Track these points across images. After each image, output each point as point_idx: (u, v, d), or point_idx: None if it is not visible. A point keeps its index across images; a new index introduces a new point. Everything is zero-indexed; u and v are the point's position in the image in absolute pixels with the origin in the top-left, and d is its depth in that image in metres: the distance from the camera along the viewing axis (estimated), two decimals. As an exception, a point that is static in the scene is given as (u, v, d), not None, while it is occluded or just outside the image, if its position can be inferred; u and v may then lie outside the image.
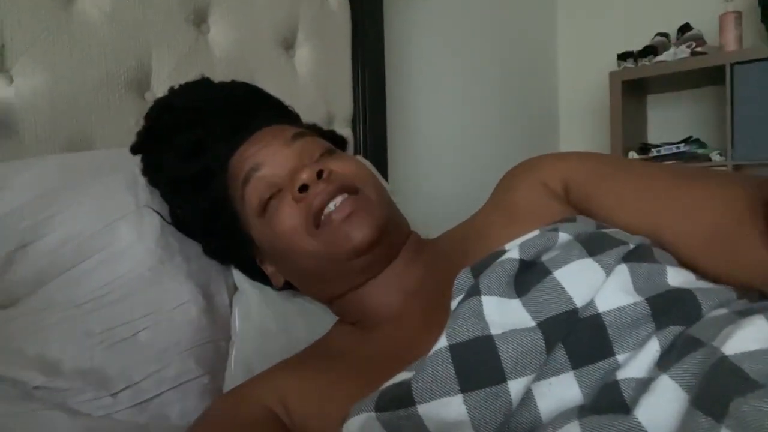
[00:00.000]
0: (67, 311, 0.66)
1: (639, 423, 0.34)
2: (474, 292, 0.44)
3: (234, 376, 0.69)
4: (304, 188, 0.60)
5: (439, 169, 1.73)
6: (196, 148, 0.71)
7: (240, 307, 0.75)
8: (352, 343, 0.62)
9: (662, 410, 0.34)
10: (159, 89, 0.96)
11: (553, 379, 0.39)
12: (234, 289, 0.79)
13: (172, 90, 0.79)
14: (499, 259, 0.46)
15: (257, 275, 0.76)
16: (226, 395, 0.61)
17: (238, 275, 0.79)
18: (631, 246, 0.45)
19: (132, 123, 0.92)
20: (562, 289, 0.42)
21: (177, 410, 0.65)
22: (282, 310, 0.77)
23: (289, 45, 1.21)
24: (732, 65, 1.88)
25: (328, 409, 0.51)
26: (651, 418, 0.34)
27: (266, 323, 0.75)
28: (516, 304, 0.43)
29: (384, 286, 0.62)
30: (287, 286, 0.74)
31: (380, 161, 1.36)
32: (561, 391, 0.39)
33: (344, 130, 1.31)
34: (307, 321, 0.77)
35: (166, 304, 0.70)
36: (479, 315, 0.42)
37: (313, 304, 0.77)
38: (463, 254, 0.57)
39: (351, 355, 0.59)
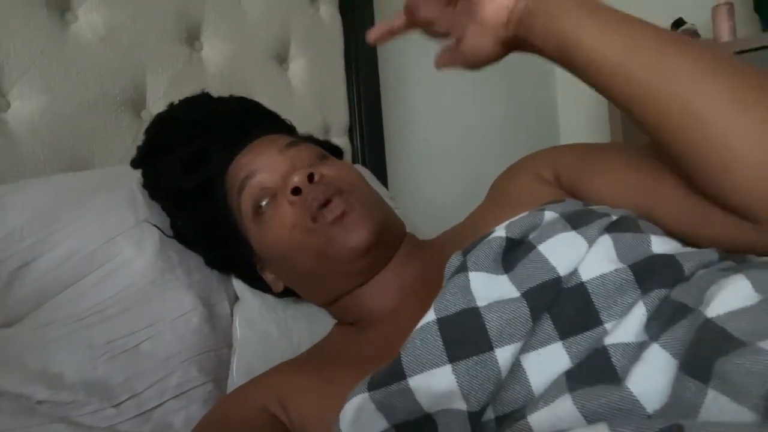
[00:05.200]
0: (70, 325, 0.67)
1: (631, 393, 0.34)
2: (462, 268, 0.45)
3: (236, 382, 0.69)
4: (297, 191, 0.61)
5: (438, 174, 1.73)
6: (197, 160, 0.73)
7: (241, 315, 0.76)
8: (350, 342, 0.62)
9: (653, 379, 0.34)
10: (154, 107, 0.97)
11: (541, 350, 0.40)
12: (235, 298, 0.80)
13: (172, 105, 0.81)
14: (487, 238, 0.46)
15: (258, 283, 0.77)
16: (225, 398, 0.61)
17: (238, 285, 0.80)
18: (614, 217, 0.46)
19: (129, 141, 0.93)
20: (546, 260, 0.43)
21: (181, 418, 0.65)
22: (282, 316, 0.77)
23: (282, 58, 1.23)
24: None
25: (326, 407, 0.51)
26: (642, 388, 0.34)
27: (267, 330, 0.75)
28: (503, 279, 0.44)
29: (381, 286, 0.63)
30: (287, 293, 0.75)
31: (379, 168, 1.37)
32: (551, 362, 0.39)
33: (341, 140, 1.32)
34: (308, 326, 0.77)
35: (168, 314, 0.71)
36: (466, 289, 0.43)
37: (314, 309, 0.77)
38: (457, 248, 0.57)
39: (348, 353, 0.60)
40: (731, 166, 0.40)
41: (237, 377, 0.70)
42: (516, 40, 0.51)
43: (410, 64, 1.67)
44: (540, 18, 0.48)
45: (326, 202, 0.60)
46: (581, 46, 0.46)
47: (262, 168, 0.66)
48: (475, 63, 0.55)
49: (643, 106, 0.44)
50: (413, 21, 0.56)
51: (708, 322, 0.33)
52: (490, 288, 0.43)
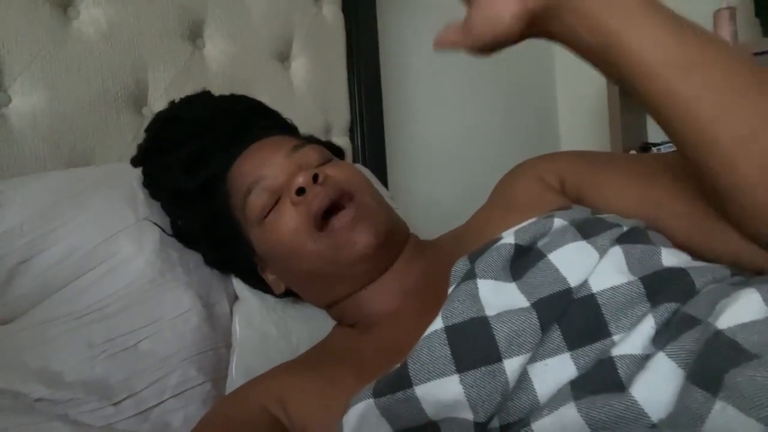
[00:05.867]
0: (69, 323, 0.66)
1: (635, 401, 0.34)
2: (470, 276, 0.44)
3: (235, 382, 0.69)
4: (301, 191, 0.61)
5: (438, 174, 1.73)
6: (197, 160, 0.73)
7: (240, 315, 0.76)
8: (351, 343, 0.62)
9: (659, 388, 0.34)
10: (156, 105, 0.97)
11: (549, 360, 0.39)
12: (234, 298, 0.79)
13: (172, 103, 0.81)
14: (495, 245, 0.46)
15: (258, 284, 0.77)
16: (225, 399, 0.61)
17: (238, 284, 0.79)
18: (625, 228, 0.45)
19: (130, 138, 0.93)
20: (556, 270, 0.42)
21: (179, 418, 0.65)
22: (282, 316, 0.77)
23: (284, 57, 1.23)
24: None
25: (327, 408, 0.51)
26: (647, 396, 0.34)
27: (266, 330, 0.75)
28: (511, 287, 0.43)
29: (384, 288, 0.63)
30: (288, 293, 0.75)
31: (379, 169, 1.37)
32: (558, 372, 0.39)
33: (342, 140, 1.31)
34: (308, 327, 0.77)
35: (167, 313, 0.70)
36: (475, 297, 0.42)
37: (314, 309, 0.77)
38: (461, 250, 0.57)
39: (350, 354, 0.60)
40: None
41: (236, 377, 0.70)
42: (541, 19, 0.43)
43: (412, 64, 1.67)
44: None
45: (331, 206, 0.60)
46: (628, 49, 0.40)
47: (269, 174, 0.66)
48: (484, 40, 0.45)
49: (689, 134, 0.40)
50: None
51: (718, 334, 0.33)
52: (498, 296, 0.42)
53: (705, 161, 0.40)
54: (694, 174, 0.45)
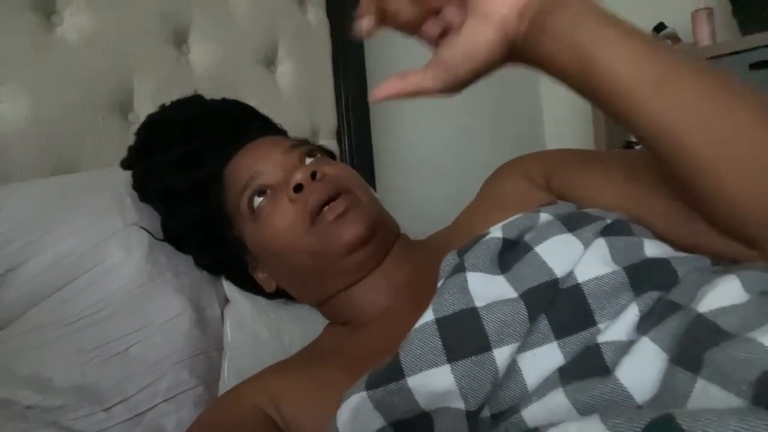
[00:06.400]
0: (60, 330, 0.66)
1: (621, 384, 0.35)
2: (459, 269, 0.45)
3: (227, 385, 0.69)
4: (299, 188, 0.62)
5: (425, 176, 1.74)
6: (188, 160, 0.73)
7: (231, 318, 0.76)
8: (343, 342, 0.63)
9: (643, 371, 0.35)
10: (142, 110, 0.97)
11: (537, 350, 0.40)
12: (225, 301, 0.79)
13: (163, 106, 0.81)
14: (483, 239, 0.47)
15: (249, 284, 0.77)
16: (217, 400, 0.61)
17: (229, 287, 0.79)
18: (608, 221, 0.47)
19: (116, 144, 0.93)
20: (543, 261, 0.43)
21: (172, 421, 0.65)
22: (273, 318, 0.77)
23: (270, 61, 1.23)
24: (707, 60, 1.92)
25: (321, 406, 0.51)
26: (632, 379, 0.35)
27: (258, 332, 0.75)
28: (500, 279, 0.44)
29: (374, 285, 0.64)
30: (278, 293, 0.75)
31: (367, 171, 1.38)
32: (546, 361, 0.40)
33: (329, 142, 1.32)
34: (299, 328, 0.77)
35: (158, 318, 0.70)
36: (464, 290, 0.43)
37: (305, 311, 0.77)
38: (449, 248, 0.58)
39: (342, 353, 0.60)
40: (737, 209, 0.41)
41: (228, 380, 0.70)
42: (519, 46, 0.44)
43: (398, 66, 1.67)
44: (562, 18, 0.42)
45: (328, 201, 0.61)
46: (602, 69, 0.41)
47: (266, 170, 0.66)
48: (463, 74, 0.45)
49: (664, 145, 0.42)
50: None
51: (699, 317, 0.34)
52: (487, 288, 0.43)
53: (687, 175, 0.42)
54: (677, 187, 0.46)
